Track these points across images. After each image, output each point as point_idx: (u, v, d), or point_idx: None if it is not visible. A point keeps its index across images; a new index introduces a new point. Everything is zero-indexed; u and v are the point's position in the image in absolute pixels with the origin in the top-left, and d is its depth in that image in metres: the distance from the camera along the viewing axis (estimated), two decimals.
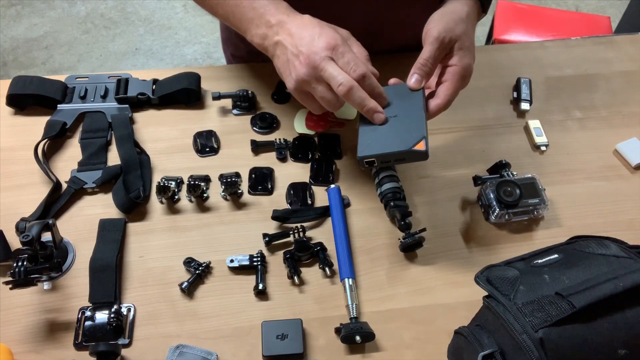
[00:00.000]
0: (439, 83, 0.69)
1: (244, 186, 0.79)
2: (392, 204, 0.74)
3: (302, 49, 0.63)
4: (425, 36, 0.66)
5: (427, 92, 0.70)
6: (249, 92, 0.87)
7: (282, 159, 0.83)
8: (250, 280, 0.71)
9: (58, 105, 0.85)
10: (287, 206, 0.78)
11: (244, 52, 0.99)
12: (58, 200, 0.76)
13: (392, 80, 0.70)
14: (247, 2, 0.68)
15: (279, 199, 0.79)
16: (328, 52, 0.62)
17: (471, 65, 0.67)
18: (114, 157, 0.81)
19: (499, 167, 0.79)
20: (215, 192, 0.79)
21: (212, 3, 0.74)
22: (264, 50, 0.69)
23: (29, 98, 0.85)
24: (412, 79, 0.67)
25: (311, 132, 0.85)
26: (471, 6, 0.71)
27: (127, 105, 0.86)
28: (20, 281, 0.62)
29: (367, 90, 0.64)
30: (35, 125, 0.83)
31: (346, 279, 0.69)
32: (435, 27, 0.66)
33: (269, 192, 0.79)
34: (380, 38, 0.89)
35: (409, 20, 0.85)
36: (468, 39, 0.66)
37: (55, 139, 0.83)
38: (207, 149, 0.83)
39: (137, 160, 0.80)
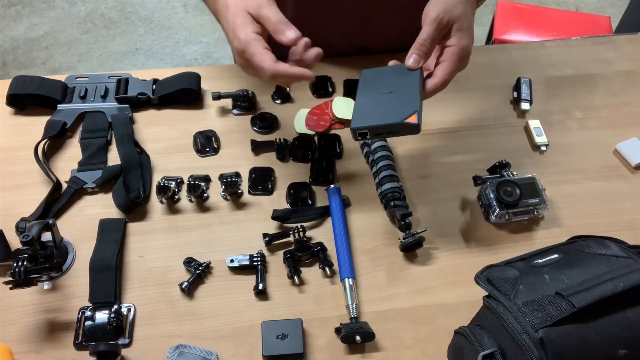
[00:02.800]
0: (436, 65, 0.69)
1: (244, 186, 0.79)
2: (392, 204, 0.74)
3: (232, 47, 0.66)
4: (424, 17, 0.66)
5: (425, 73, 0.69)
6: (249, 92, 0.87)
7: (282, 159, 0.83)
8: (250, 280, 0.71)
9: (58, 105, 0.85)
10: (287, 206, 0.78)
11: None
12: (58, 200, 0.76)
13: (392, 62, 0.70)
14: None
15: (279, 199, 0.79)
16: (241, 58, 0.65)
17: (469, 47, 0.66)
18: (114, 157, 0.81)
19: (499, 167, 0.79)
20: (215, 192, 0.79)
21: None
22: None
23: (29, 98, 0.85)
24: (410, 59, 0.67)
25: (311, 132, 0.85)
26: None
27: (127, 105, 0.86)
28: (20, 281, 0.62)
29: (285, 81, 0.65)
30: (35, 125, 0.83)
31: (346, 279, 0.69)
32: (434, 8, 0.66)
33: (269, 192, 0.79)
34: (376, 24, 0.89)
35: (405, 5, 0.85)
36: (467, 21, 0.66)
37: (55, 139, 0.83)
38: (207, 149, 0.83)
39: (137, 160, 0.80)
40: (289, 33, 0.63)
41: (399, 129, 0.63)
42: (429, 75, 0.68)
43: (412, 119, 0.62)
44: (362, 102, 0.67)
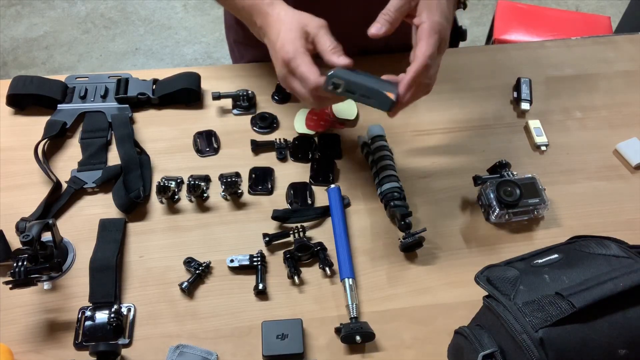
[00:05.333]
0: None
1: (244, 186, 0.79)
2: (392, 204, 0.74)
3: (273, 58, 0.68)
4: None
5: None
6: (249, 92, 0.87)
7: (282, 159, 0.83)
8: (250, 280, 0.71)
9: (58, 105, 0.85)
10: (287, 206, 0.78)
11: (244, 37, 0.99)
12: (58, 200, 0.76)
13: (385, 77, 0.70)
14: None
15: (279, 199, 0.79)
16: (285, 69, 0.66)
17: (440, 22, 0.65)
18: (114, 157, 0.81)
19: (499, 167, 0.79)
20: (215, 192, 0.79)
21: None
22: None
23: (29, 98, 0.85)
24: (373, 27, 0.67)
25: (311, 132, 0.85)
26: None
27: (127, 105, 0.86)
28: (20, 281, 0.62)
29: (327, 94, 0.66)
30: (35, 125, 0.83)
31: (346, 279, 0.69)
32: None
33: (269, 192, 0.79)
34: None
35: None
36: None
37: (55, 139, 0.83)
38: (207, 149, 0.83)
39: (137, 160, 0.80)
40: (343, 58, 0.65)
41: (374, 96, 0.63)
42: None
43: (391, 95, 0.63)
44: (344, 70, 0.66)
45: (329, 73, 0.63)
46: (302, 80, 0.64)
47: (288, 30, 0.66)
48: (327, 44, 0.65)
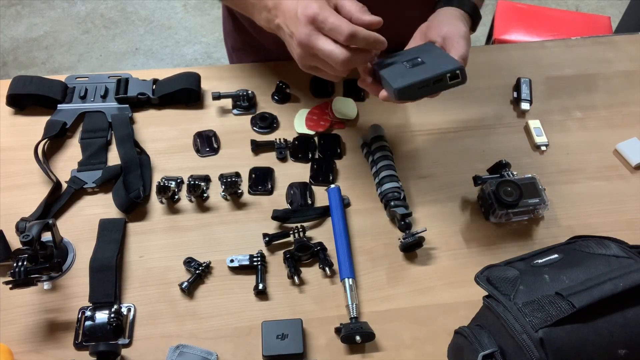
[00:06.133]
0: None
1: (244, 186, 0.79)
2: (392, 204, 0.74)
3: (292, 28, 0.63)
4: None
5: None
6: (249, 92, 0.87)
7: (282, 159, 0.83)
8: (250, 280, 0.71)
9: (58, 105, 0.85)
10: (287, 206, 0.78)
11: (242, 43, 0.99)
12: (58, 200, 0.76)
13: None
14: None
15: (279, 199, 0.79)
16: (310, 27, 0.61)
17: (466, 31, 0.68)
18: (114, 157, 0.81)
19: (499, 167, 0.79)
20: (215, 192, 0.79)
21: None
22: (274, 33, 0.69)
23: (29, 98, 0.85)
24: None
25: (311, 132, 0.85)
26: (465, 19, 0.74)
27: (127, 105, 0.86)
28: (20, 281, 0.62)
29: (362, 43, 0.62)
30: (35, 125, 0.83)
31: (346, 279, 0.69)
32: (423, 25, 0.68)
33: (269, 192, 0.79)
34: (381, 30, 0.89)
35: (404, 8, 0.85)
36: (455, 26, 0.68)
37: (55, 139, 0.83)
38: (207, 149, 0.83)
39: (137, 160, 0.80)
40: (373, 17, 0.61)
41: (444, 80, 0.61)
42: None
43: (455, 65, 0.61)
44: (389, 70, 0.64)
45: (393, 89, 0.61)
46: (335, 31, 0.59)
47: None
48: (353, 6, 0.62)
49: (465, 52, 0.65)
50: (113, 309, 0.66)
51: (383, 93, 0.64)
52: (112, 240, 0.73)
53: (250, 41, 0.75)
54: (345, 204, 0.78)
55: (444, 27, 0.68)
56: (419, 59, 0.65)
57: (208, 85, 0.90)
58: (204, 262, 0.71)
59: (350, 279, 0.69)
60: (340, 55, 0.60)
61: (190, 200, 0.78)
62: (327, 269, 0.71)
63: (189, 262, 0.71)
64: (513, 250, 0.74)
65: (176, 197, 0.78)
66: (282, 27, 0.65)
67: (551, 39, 1.04)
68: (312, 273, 0.72)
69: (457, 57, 0.65)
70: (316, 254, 0.73)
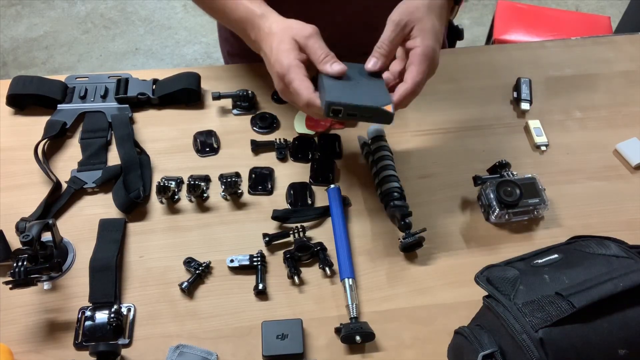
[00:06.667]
0: (402, 71, 0.69)
1: (244, 186, 0.79)
2: (392, 204, 0.74)
3: (270, 70, 0.69)
4: (387, 21, 0.67)
5: (391, 80, 0.69)
6: (249, 92, 0.87)
7: (282, 159, 0.83)
8: (250, 280, 0.71)
9: (58, 105, 0.85)
10: (287, 206, 0.78)
11: (239, 49, 0.99)
12: (58, 200, 0.76)
13: (372, 68, 0.69)
14: (233, 4, 0.72)
15: (279, 199, 0.79)
16: (280, 82, 0.66)
17: (433, 48, 0.66)
18: (114, 157, 0.81)
19: (499, 167, 0.79)
20: (215, 192, 0.79)
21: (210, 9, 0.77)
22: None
23: (29, 98, 0.85)
24: (370, 62, 0.67)
25: (311, 132, 0.85)
26: None
27: (127, 105, 0.86)
28: (20, 281, 0.62)
29: (315, 115, 0.66)
30: (35, 125, 0.83)
31: (346, 279, 0.69)
32: (396, 11, 0.67)
33: (269, 192, 0.79)
34: (377, 28, 0.89)
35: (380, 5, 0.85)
36: (429, 22, 0.66)
37: (55, 139, 0.83)
38: (207, 149, 0.83)
39: (137, 160, 0.80)
40: (335, 66, 0.65)
41: (373, 114, 0.63)
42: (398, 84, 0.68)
43: (389, 108, 0.63)
44: (332, 83, 0.65)
45: (326, 100, 0.62)
46: (295, 95, 0.64)
47: (280, 42, 0.66)
48: (318, 54, 0.65)
49: (420, 78, 0.65)
50: (113, 309, 0.66)
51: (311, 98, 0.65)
52: (112, 240, 0.73)
53: (247, 47, 0.75)
54: (345, 204, 0.78)
55: (416, 32, 0.67)
56: (358, 82, 0.66)
57: (208, 85, 0.90)
58: (204, 262, 0.71)
59: (350, 279, 0.69)
60: (303, 110, 0.67)
61: (190, 200, 0.78)
62: (327, 269, 0.71)
63: (189, 262, 0.71)
64: (513, 250, 0.74)
65: (176, 197, 0.78)
66: (265, 62, 0.70)
67: (551, 39, 1.04)
68: (312, 273, 0.72)
69: (410, 82, 0.65)
70: (316, 254, 0.73)
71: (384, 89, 0.66)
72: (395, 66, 0.69)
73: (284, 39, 0.66)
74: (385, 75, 0.68)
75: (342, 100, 0.62)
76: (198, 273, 0.70)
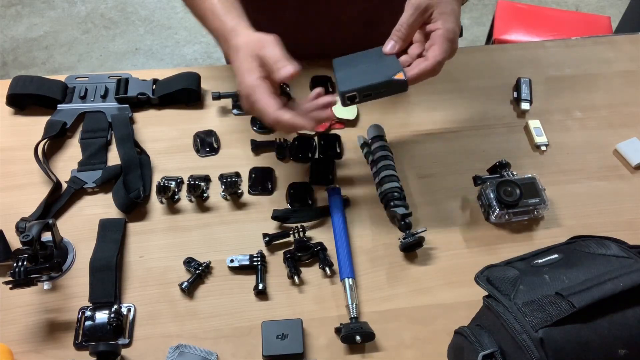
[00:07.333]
0: (420, 55, 0.69)
1: (244, 186, 0.79)
2: (392, 204, 0.74)
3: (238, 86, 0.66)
4: (406, 4, 0.67)
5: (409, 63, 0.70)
6: None
7: (282, 159, 0.83)
8: (250, 280, 0.71)
9: (58, 105, 0.85)
10: (287, 206, 0.78)
11: None
12: (58, 200, 0.76)
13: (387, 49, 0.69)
14: (210, 14, 0.70)
15: (279, 199, 0.79)
16: (246, 102, 0.65)
17: (455, 31, 0.66)
18: (114, 157, 0.81)
19: (499, 167, 0.79)
20: (215, 192, 0.79)
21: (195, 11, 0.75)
22: None
23: (29, 98, 0.85)
24: (388, 45, 0.67)
25: (311, 132, 0.85)
26: None
27: (127, 105, 0.86)
28: (20, 281, 0.62)
29: (285, 129, 0.66)
30: (35, 125, 0.83)
31: (346, 279, 0.69)
32: None
33: (269, 192, 0.79)
34: (376, 28, 0.89)
35: (401, 9, 0.85)
36: (449, 5, 0.66)
37: (55, 139, 0.83)
38: (207, 149, 0.83)
39: (137, 160, 0.80)
40: (285, 69, 0.62)
41: (387, 87, 0.64)
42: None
43: (400, 76, 0.63)
44: (343, 73, 0.67)
45: (339, 91, 0.63)
46: (262, 114, 0.63)
47: (242, 61, 0.65)
48: (271, 64, 0.63)
49: (442, 57, 0.65)
50: (113, 309, 0.66)
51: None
52: (112, 240, 0.73)
53: None
54: (345, 204, 0.78)
55: (437, 15, 0.67)
56: (370, 64, 0.67)
57: (208, 85, 0.90)
58: (204, 262, 0.71)
59: (350, 279, 0.69)
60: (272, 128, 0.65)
61: (190, 200, 0.78)
62: (327, 269, 0.71)
63: (189, 262, 0.71)
64: (513, 250, 0.74)
65: (176, 197, 0.78)
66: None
67: (551, 39, 1.04)
68: (312, 273, 0.72)
69: (432, 59, 0.65)
70: (316, 254, 0.73)
71: (395, 61, 0.66)
72: (414, 50, 0.69)
73: (245, 57, 0.65)
74: (403, 58, 0.68)
75: (353, 86, 0.63)
76: (198, 273, 0.70)
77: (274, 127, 0.64)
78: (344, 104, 0.65)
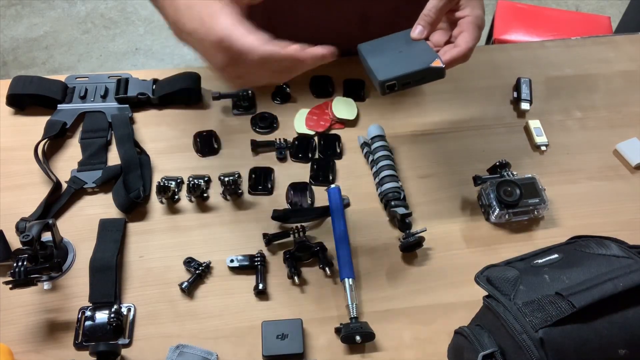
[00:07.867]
0: (447, 42, 0.69)
1: (244, 186, 0.79)
2: (392, 204, 0.74)
3: (204, 54, 0.55)
4: None
5: (438, 49, 0.69)
6: (249, 92, 0.87)
7: (282, 159, 0.83)
8: (250, 280, 0.71)
9: (58, 105, 0.85)
10: (287, 206, 0.78)
11: None
12: (58, 200, 0.76)
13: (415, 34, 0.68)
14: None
15: (279, 199, 0.79)
16: (221, 53, 0.53)
17: (482, 18, 0.67)
18: (114, 157, 0.81)
19: (499, 167, 0.79)
20: (215, 192, 0.79)
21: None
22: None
23: (29, 98, 0.85)
24: (416, 30, 0.67)
25: (311, 132, 0.85)
26: None
27: (127, 105, 0.86)
28: (20, 281, 0.62)
29: (279, 56, 0.52)
30: (35, 125, 0.83)
31: (346, 279, 0.69)
32: None
33: (269, 192, 0.79)
34: (375, 24, 0.89)
35: (401, 4, 0.85)
36: None
37: (55, 139, 0.82)
38: (207, 149, 0.83)
39: (137, 160, 0.80)
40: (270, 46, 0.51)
41: (426, 74, 0.64)
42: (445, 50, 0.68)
43: (437, 63, 0.64)
44: (377, 61, 0.67)
45: (378, 80, 0.63)
46: (245, 54, 0.51)
47: (214, 12, 0.52)
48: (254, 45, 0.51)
49: (473, 44, 0.65)
50: (113, 309, 0.66)
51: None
52: (112, 240, 0.73)
53: None
54: (345, 204, 0.78)
55: (464, 2, 0.67)
56: (402, 51, 0.66)
57: (208, 85, 0.90)
58: (204, 262, 0.71)
59: (350, 279, 0.69)
60: (258, 78, 0.54)
61: (191, 200, 0.78)
62: (327, 269, 0.71)
63: (189, 262, 0.71)
64: (513, 250, 0.74)
65: (176, 197, 0.78)
66: (195, 45, 0.56)
67: (551, 39, 1.04)
68: (312, 273, 0.72)
69: (464, 46, 0.65)
70: (316, 254, 0.73)
71: (427, 47, 0.66)
72: (438, 37, 0.69)
73: (223, 11, 0.52)
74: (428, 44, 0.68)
75: (393, 74, 0.63)
76: (198, 273, 0.70)
77: (262, 67, 0.52)
78: (383, 93, 0.64)
